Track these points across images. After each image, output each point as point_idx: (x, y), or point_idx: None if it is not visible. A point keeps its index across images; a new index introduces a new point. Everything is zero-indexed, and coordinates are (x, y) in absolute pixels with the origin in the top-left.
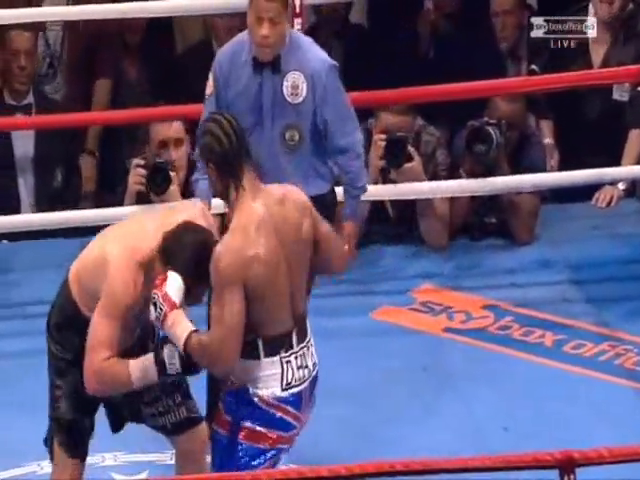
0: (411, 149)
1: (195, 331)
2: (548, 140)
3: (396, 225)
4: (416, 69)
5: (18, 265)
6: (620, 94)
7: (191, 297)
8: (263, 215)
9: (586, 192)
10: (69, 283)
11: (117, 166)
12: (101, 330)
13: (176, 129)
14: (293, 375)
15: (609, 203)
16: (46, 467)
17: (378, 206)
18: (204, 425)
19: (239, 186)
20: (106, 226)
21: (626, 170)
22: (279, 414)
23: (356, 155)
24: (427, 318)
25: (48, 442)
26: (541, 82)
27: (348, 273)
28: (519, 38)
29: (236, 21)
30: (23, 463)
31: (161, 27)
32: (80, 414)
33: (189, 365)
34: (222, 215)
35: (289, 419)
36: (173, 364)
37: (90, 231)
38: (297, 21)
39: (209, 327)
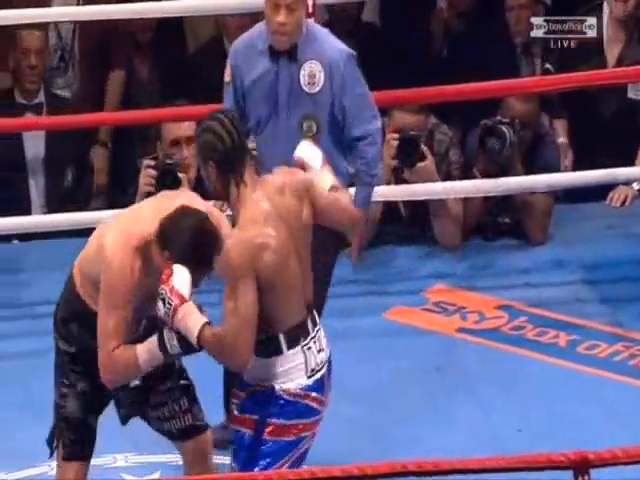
0: (424, 148)
1: (208, 323)
2: (562, 140)
3: (409, 225)
4: (429, 68)
5: (28, 265)
6: (635, 93)
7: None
8: (267, 207)
9: (599, 192)
10: (73, 276)
11: (129, 165)
12: (105, 323)
13: (188, 127)
14: (315, 360)
15: (623, 203)
16: None
17: (391, 206)
18: (209, 433)
19: (240, 181)
20: None
21: None
22: (305, 402)
23: (373, 142)
24: (440, 318)
25: (51, 442)
26: (555, 82)
27: (361, 273)
28: None
29: (247, 20)
30: (36, 463)
31: (172, 26)
32: (87, 413)
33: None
34: None
35: (314, 405)
36: (174, 345)
37: None
38: (310, 20)
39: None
